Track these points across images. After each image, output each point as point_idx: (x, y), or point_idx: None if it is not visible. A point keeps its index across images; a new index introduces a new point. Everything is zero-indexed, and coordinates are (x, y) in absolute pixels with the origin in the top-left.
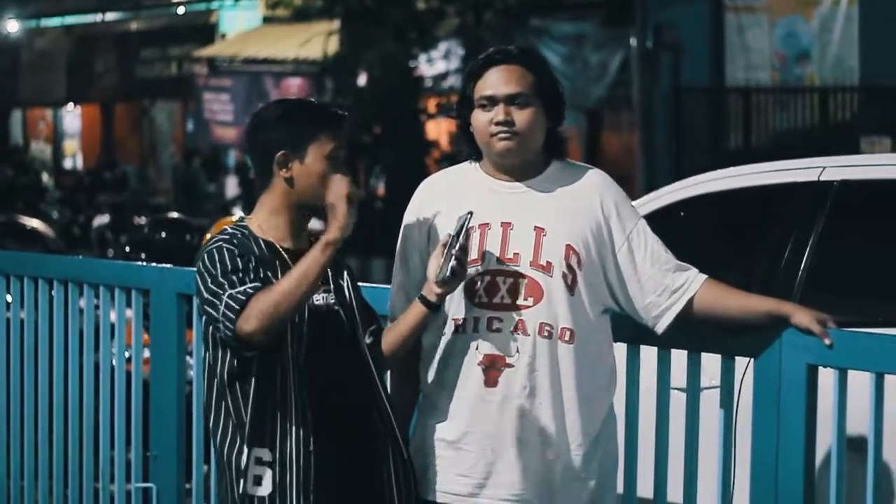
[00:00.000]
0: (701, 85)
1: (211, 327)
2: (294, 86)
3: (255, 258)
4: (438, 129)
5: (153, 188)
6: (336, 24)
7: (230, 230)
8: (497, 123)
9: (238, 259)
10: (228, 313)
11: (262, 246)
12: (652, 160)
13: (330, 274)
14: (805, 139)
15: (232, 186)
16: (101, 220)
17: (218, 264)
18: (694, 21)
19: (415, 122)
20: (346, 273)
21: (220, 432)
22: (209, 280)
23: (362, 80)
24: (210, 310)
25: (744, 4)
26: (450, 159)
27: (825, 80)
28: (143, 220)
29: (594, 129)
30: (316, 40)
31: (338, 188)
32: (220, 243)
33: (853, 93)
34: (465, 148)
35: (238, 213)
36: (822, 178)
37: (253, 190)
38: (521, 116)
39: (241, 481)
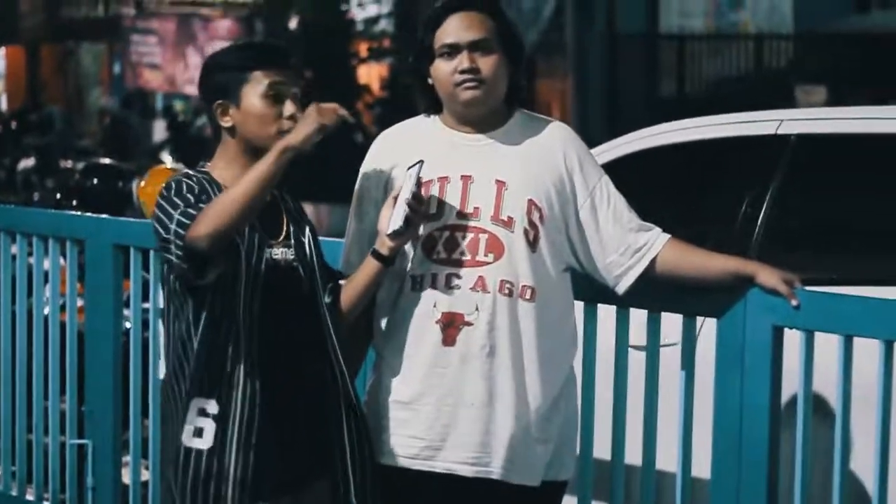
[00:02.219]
0: (635, 31)
1: (170, 274)
2: (223, 28)
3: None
4: (370, 74)
5: (79, 131)
6: None
7: (192, 173)
8: (462, 72)
9: (197, 188)
10: (179, 230)
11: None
12: (585, 106)
13: (292, 230)
14: (739, 87)
15: (160, 130)
16: (27, 163)
17: (174, 190)
18: None
19: (346, 66)
20: (307, 230)
21: (168, 380)
22: (163, 203)
23: (293, 23)
24: (161, 230)
25: None
26: (381, 104)
27: (759, 27)
28: (69, 164)
29: (527, 75)
30: None
31: (329, 106)
32: (181, 178)
33: (788, 40)
34: (423, 102)
35: (167, 158)
36: (779, 132)
37: (183, 135)
38: (487, 63)
39: (182, 432)
